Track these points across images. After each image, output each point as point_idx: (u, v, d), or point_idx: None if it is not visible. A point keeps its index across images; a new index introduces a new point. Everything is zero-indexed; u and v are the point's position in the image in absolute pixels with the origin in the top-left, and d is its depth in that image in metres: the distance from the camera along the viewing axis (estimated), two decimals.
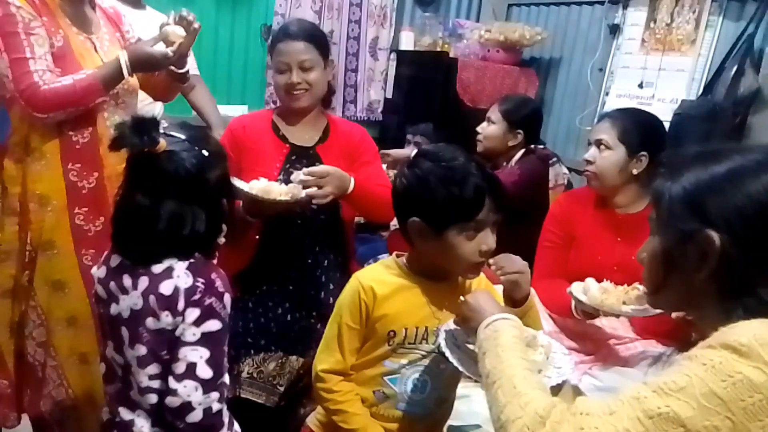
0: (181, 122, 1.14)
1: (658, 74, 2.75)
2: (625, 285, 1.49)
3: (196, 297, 1.02)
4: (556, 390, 1.12)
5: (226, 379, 1.14)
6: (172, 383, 1.01)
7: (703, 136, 2.25)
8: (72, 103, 1.49)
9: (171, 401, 1.02)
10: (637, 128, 1.72)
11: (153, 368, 1.05)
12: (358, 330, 1.23)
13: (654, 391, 0.69)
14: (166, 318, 1.02)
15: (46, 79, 1.45)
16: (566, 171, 2.45)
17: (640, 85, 2.82)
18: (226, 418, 1.10)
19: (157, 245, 1.05)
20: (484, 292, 1.10)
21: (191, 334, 1.01)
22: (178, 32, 1.55)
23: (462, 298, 1.11)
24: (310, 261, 1.77)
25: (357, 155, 1.81)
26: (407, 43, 3.55)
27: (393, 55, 3.54)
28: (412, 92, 3.36)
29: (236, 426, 1.17)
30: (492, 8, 3.69)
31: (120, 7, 2.06)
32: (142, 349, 1.05)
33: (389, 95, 3.53)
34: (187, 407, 1.01)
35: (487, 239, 1.16)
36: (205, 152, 1.08)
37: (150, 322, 1.03)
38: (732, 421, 0.65)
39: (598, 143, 1.73)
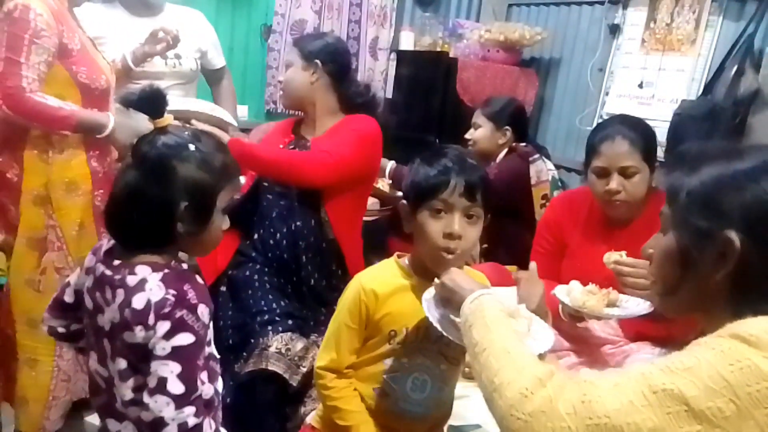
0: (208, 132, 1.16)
1: (658, 74, 2.75)
2: (610, 288, 1.47)
3: (166, 310, 0.98)
4: None
5: (219, 385, 1.13)
6: (145, 397, 0.98)
7: (703, 136, 2.24)
8: (44, 122, 1.62)
9: (145, 416, 0.99)
10: (651, 141, 1.63)
11: (135, 381, 1.02)
12: (357, 330, 1.24)
13: (661, 369, 0.69)
14: (140, 332, 0.99)
15: (33, 88, 1.56)
16: (551, 167, 2.46)
17: (640, 85, 2.81)
18: (209, 430, 1.06)
19: (114, 219, 1.05)
20: (458, 271, 1.11)
21: (161, 348, 0.98)
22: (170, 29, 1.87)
23: (437, 279, 1.11)
24: (302, 274, 1.88)
25: (337, 135, 1.87)
26: (407, 43, 3.54)
27: (393, 55, 3.54)
28: (412, 92, 3.36)
29: None
30: (492, 8, 3.69)
31: (129, 19, 2.15)
32: (122, 363, 1.03)
33: (389, 95, 3.52)
34: (160, 422, 0.97)
35: (452, 223, 1.16)
36: (191, 146, 1.05)
37: (127, 336, 1.00)
38: (736, 405, 0.64)
39: (624, 171, 1.57)
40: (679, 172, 0.84)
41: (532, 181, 2.38)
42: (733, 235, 0.74)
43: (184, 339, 0.99)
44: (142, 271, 1.02)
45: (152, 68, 2.12)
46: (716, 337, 0.71)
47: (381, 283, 1.25)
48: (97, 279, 1.08)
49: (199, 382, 1.03)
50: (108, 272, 1.05)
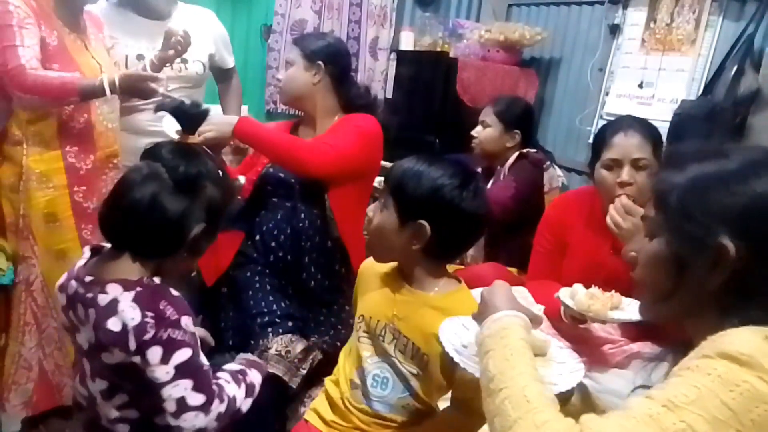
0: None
1: (658, 74, 2.75)
2: (612, 291, 1.48)
3: (150, 334, 0.95)
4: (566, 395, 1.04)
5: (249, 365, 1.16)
6: (172, 421, 0.97)
7: (703, 136, 2.24)
8: (48, 94, 1.65)
9: None
10: (659, 139, 1.64)
11: (119, 399, 1.02)
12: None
13: (664, 405, 0.66)
14: (120, 353, 0.97)
15: (32, 64, 1.61)
16: (560, 173, 2.42)
17: (640, 85, 2.81)
18: (237, 392, 1.10)
19: (122, 220, 1.03)
20: (503, 284, 1.05)
21: (164, 372, 0.96)
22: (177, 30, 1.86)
23: (481, 290, 1.07)
24: (304, 275, 1.87)
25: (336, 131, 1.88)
26: (407, 43, 3.55)
27: (393, 55, 3.54)
28: (412, 92, 3.36)
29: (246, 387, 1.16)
30: (492, 8, 3.69)
31: (141, 21, 2.17)
32: (103, 384, 1.02)
33: (389, 95, 3.53)
34: (201, 431, 0.99)
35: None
36: (220, 172, 1.08)
37: (104, 357, 0.99)
38: None
39: (635, 163, 1.58)
40: (667, 176, 0.81)
41: (545, 189, 2.31)
42: (727, 242, 0.72)
43: (182, 355, 0.98)
44: (113, 290, 0.99)
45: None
46: (704, 359, 0.69)
47: (373, 265, 1.34)
48: (69, 297, 1.06)
49: (215, 386, 1.03)
50: (81, 290, 1.03)
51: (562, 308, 1.57)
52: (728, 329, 0.71)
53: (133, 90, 1.75)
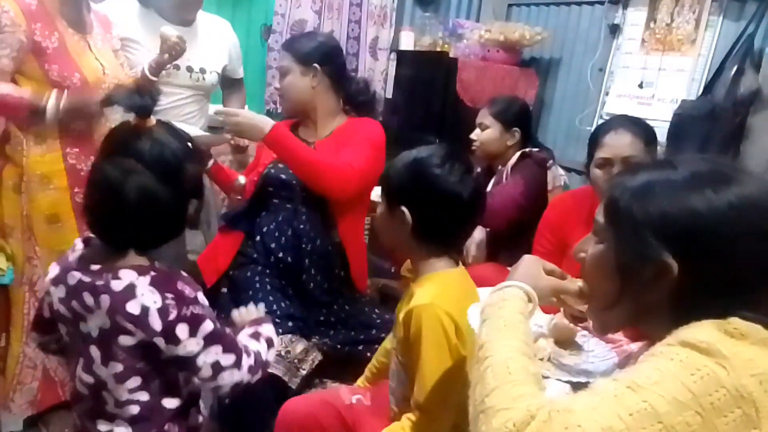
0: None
1: (658, 74, 2.75)
2: None
3: (174, 314, 1.00)
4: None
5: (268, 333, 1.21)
6: (210, 384, 1.07)
7: (703, 136, 2.25)
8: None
9: (223, 392, 1.08)
10: (652, 137, 1.65)
11: (133, 381, 1.05)
12: None
13: (628, 387, 0.68)
14: (141, 334, 1.00)
15: None
16: (562, 172, 2.42)
17: (640, 85, 2.82)
18: (259, 347, 1.16)
19: (122, 223, 1.02)
20: (531, 258, 1.05)
21: (195, 344, 1.02)
22: (172, 33, 1.86)
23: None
24: (304, 277, 1.87)
25: (347, 141, 1.85)
26: (407, 43, 3.55)
27: (393, 55, 3.54)
28: (412, 92, 3.36)
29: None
30: (492, 8, 3.69)
31: (160, 24, 2.13)
32: (118, 366, 1.03)
33: (389, 95, 3.53)
34: (239, 384, 1.08)
35: None
36: (189, 144, 1.10)
37: (123, 339, 1.01)
38: (701, 417, 0.64)
39: (626, 162, 1.58)
40: (617, 183, 0.82)
41: (548, 187, 2.31)
42: (670, 260, 0.73)
43: (206, 327, 1.04)
44: (127, 275, 1.01)
45: (176, 80, 2.13)
46: (667, 346, 0.71)
47: None
48: (71, 287, 1.05)
49: (240, 345, 1.11)
50: (86, 278, 1.03)
51: (563, 307, 1.57)
52: (692, 323, 0.73)
53: (79, 115, 1.71)
